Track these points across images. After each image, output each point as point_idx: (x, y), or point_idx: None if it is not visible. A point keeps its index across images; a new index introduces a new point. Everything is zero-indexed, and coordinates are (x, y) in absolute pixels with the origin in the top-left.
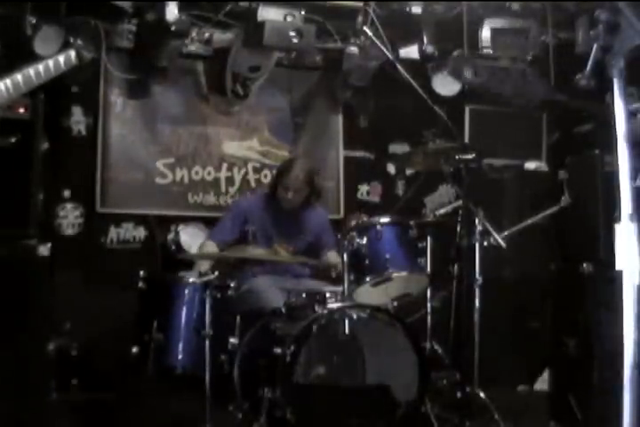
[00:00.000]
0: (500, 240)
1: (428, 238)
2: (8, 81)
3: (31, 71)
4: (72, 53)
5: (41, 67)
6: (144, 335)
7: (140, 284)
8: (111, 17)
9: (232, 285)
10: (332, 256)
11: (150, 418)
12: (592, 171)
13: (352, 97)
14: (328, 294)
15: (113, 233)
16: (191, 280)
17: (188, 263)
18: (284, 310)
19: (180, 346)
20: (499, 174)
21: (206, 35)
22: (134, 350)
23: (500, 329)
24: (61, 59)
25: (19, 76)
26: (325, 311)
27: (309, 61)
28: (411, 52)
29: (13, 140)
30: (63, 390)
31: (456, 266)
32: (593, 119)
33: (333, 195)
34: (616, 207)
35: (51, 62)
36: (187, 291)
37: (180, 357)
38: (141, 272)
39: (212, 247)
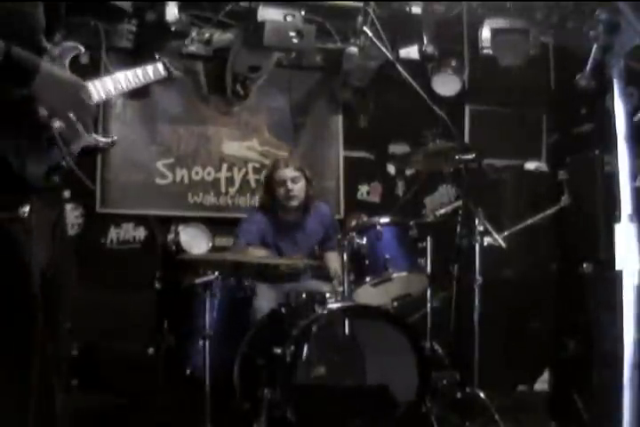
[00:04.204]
0: (500, 240)
1: (428, 238)
2: (97, 82)
3: (120, 76)
4: (160, 66)
5: (130, 73)
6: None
7: (157, 284)
8: (111, 17)
9: (247, 284)
10: (332, 257)
11: (150, 418)
12: (592, 171)
13: (352, 97)
14: (328, 294)
15: (113, 233)
16: (205, 281)
17: (189, 264)
18: (283, 310)
19: (193, 348)
20: (499, 174)
21: (206, 35)
22: (150, 351)
23: (500, 329)
24: (150, 69)
25: (107, 79)
26: (325, 311)
27: (309, 61)
28: (411, 52)
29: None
30: (63, 391)
31: (456, 266)
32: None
33: (333, 195)
34: (616, 207)
35: (139, 71)
36: (201, 292)
37: (192, 358)
38: (157, 273)
39: (261, 251)
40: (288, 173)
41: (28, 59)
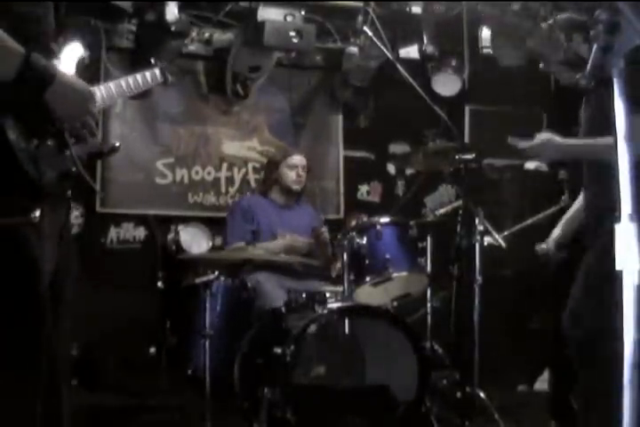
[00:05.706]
0: (500, 240)
1: (428, 238)
2: (102, 87)
3: (122, 82)
4: (157, 71)
5: (130, 79)
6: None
7: (159, 284)
8: (111, 17)
9: (249, 286)
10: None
11: (151, 418)
12: None
13: (352, 97)
14: (328, 294)
15: (113, 233)
16: (205, 281)
17: (189, 263)
18: (283, 309)
19: (195, 348)
20: (499, 174)
21: (206, 35)
22: (151, 350)
23: (500, 329)
24: (148, 75)
25: (111, 85)
26: (325, 311)
27: (309, 61)
28: (411, 52)
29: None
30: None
31: (456, 266)
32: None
33: (333, 195)
34: (616, 207)
35: (139, 76)
36: (201, 292)
37: (193, 358)
38: (159, 273)
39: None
40: (300, 160)
41: (45, 66)
